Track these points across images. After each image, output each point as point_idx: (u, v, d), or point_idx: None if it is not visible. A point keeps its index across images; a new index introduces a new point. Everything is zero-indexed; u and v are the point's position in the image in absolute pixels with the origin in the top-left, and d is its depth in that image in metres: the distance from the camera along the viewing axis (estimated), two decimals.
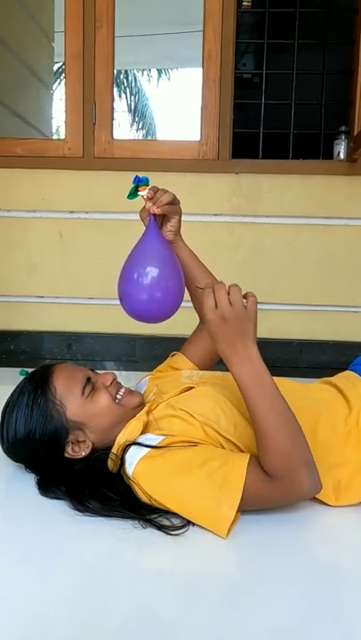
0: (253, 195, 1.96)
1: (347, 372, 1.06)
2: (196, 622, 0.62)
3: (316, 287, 1.99)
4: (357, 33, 1.90)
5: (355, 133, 1.90)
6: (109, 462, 0.89)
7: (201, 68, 1.95)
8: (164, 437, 0.85)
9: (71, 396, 0.89)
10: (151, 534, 0.79)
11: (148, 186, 0.93)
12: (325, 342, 1.98)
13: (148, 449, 0.84)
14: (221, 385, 0.95)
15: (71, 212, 2.01)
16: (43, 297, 2.05)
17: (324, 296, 1.99)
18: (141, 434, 0.89)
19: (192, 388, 0.97)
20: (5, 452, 0.95)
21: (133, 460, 0.84)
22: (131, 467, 0.84)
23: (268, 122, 2.02)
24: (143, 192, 0.92)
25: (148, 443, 0.85)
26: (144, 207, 0.95)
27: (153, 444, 0.85)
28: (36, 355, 2.04)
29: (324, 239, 1.98)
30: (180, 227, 1.01)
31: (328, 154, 1.98)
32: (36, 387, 0.91)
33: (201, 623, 0.62)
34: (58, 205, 2.00)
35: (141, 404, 0.96)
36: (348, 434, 0.89)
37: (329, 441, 0.88)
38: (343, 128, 1.94)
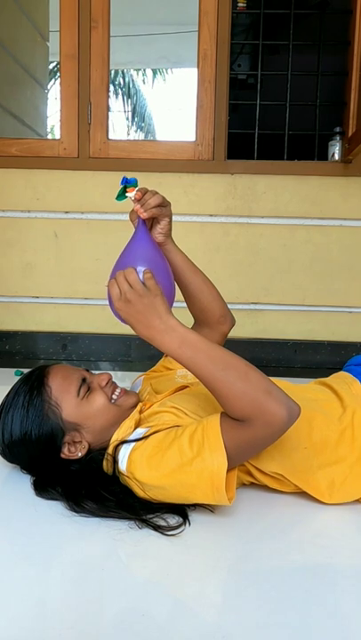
0: (248, 195, 1.96)
1: (341, 372, 1.07)
2: (192, 622, 0.62)
3: (310, 287, 1.99)
4: (352, 34, 1.91)
5: (349, 134, 1.90)
6: (104, 463, 0.89)
7: (196, 69, 1.95)
8: (149, 429, 0.86)
9: (67, 397, 0.89)
10: (147, 535, 0.79)
11: (136, 187, 0.92)
12: (320, 342, 1.99)
13: (133, 444, 0.85)
14: None
15: (66, 212, 2.00)
16: (38, 297, 2.04)
17: (318, 296, 2.00)
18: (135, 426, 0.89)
19: (186, 387, 0.98)
20: (0, 453, 0.95)
21: (125, 455, 0.84)
22: (123, 462, 0.84)
23: (263, 122, 2.03)
24: (131, 193, 0.91)
25: (136, 436, 0.86)
26: (133, 209, 0.93)
27: (140, 436, 0.85)
28: (32, 355, 2.04)
29: (319, 240, 1.99)
30: (170, 229, 0.99)
31: (323, 155, 1.99)
32: (32, 387, 0.90)
33: (197, 623, 0.62)
34: (53, 205, 2.00)
35: (137, 404, 0.96)
36: (342, 433, 0.89)
37: (323, 440, 0.88)
38: (338, 129, 1.95)
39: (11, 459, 0.95)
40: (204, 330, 1.10)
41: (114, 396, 0.94)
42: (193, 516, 0.84)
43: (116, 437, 0.89)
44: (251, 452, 0.83)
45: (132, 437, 0.87)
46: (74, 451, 0.90)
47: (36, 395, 0.89)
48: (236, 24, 2.03)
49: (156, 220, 0.97)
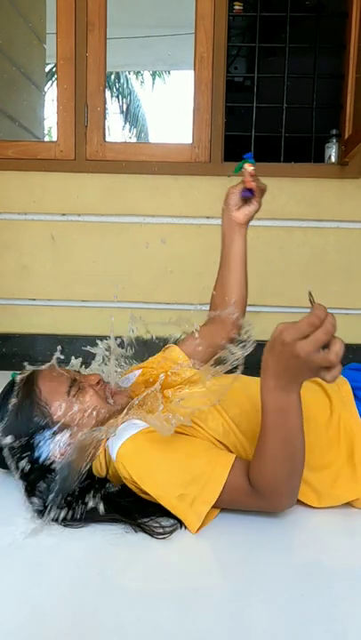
0: None
1: None
2: (188, 626, 0.62)
3: (307, 289, 1.99)
4: (348, 37, 1.92)
5: (346, 137, 1.91)
6: (96, 464, 0.88)
7: (193, 71, 1.96)
8: (148, 425, 0.84)
9: (57, 398, 0.88)
10: (142, 538, 0.79)
11: (253, 165, 1.04)
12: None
13: (133, 432, 0.83)
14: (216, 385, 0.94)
15: (63, 214, 2.00)
16: (34, 299, 2.04)
17: (316, 298, 2.00)
18: (126, 419, 0.88)
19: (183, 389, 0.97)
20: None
21: (117, 442, 0.83)
22: (114, 450, 0.83)
23: (260, 125, 2.03)
24: (250, 167, 1.03)
25: (133, 427, 0.84)
26: (236, 185, 1.05)
27: (138, 429, 0.84)
28: (28, 357, 2.03)
29: (316, 242, 1.99)
30: (252, 217, 1.08)
31: (319, 157, 2.00)
32: (22, 390, 0.89)
33: (193, 626, 0.62)
34: (50, 208, 2.00)
35: (127, 403, 0.94)
36: (328, 439, 0.89)
37: (312, 444, 0.88)
38: (334, 131, 1.95)
39: (1, 464, 0.93)
40: (212, 326, 1.09)
41: (104, 395, 0.93)
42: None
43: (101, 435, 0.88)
44: (235, 507, 0.83)
45: (128, 425, 0.85)
46: (65, 452, 0.88)
47: (25, 397, 0.88)
48: (232, 27, 2.04)
49: (248, 201, 1.06)
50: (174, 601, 0.66)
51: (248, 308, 2.05)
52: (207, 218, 1.98)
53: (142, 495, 0.84)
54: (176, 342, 1.17)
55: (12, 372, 2.07)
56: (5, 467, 0.93)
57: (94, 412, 0.90)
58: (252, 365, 0.87)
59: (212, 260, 1.99)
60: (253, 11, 2.04)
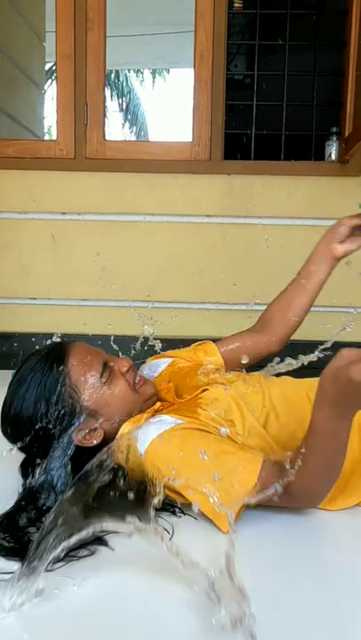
0: (245, 196, 1.96)
1: None
2: (187, 625, 0.62)
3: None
4: (348, 34, 1.91)
5: (346, 134, 1.91)
6: (117, 453, 0.86)
7: (192, 69, 1.95)
8: (182, 422, 0.83)
9: (87, 381, 0.85)
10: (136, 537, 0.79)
11: None
12: (317, 342, 1.98)
13: (164, 429, 0.82)
14: (241, 386, 0.94)
15: (63, 213, 2.00)
16: (35, 298, 2.04)
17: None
18: (155, 414, 0.87)
19: (206, 389, 0.94)
20: (3, 429, 0.87)
21: (146, 439, 0.82)
22: (143, 445, 0.82)
23: (260, 123, 2.03)
24: None
25: (163, 424, 0.83)
26: (351, 217, 1.05)
27: (169, 426, 0.83)
28: None
29: (316, 240, 1.98)
30: (349, 254, 1.07)
31: (320, 155, 1.99)
32: (52, 366, 0.85)
33: (192, 627, 0.62)
34: (50, 207, 2.00)
35: (154, 395, 0.93)
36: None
37: None
38: (335, 129, 1.95)
39: (14, 437, 0.87)
40: (258, 335, 1.09)
41: (133, 384, 0.90)
42: (186, 518, 0.84)
43: (125, 427, 0.87)
44: (265, 503, 0.80)
45: (157, 422, 0.84)
46: (89, 438, 0.86)
47: (56, 374, 0.84)
48: (232, 24, 2.03)
49: (351, 238, 1.06)
50: (174, 600, 0.66)
51: (248, 307, 2.06)
52: (207, 216, 1.98)
53: (171, 495, 0.83)
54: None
55: (12, 372, 2.06)
56: (16, 440, 0.87)
57: (122, 402, 0.87)
58: None
59: (212, 259, 2.00)
60: (253, 8, 2.03)
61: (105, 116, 2.02)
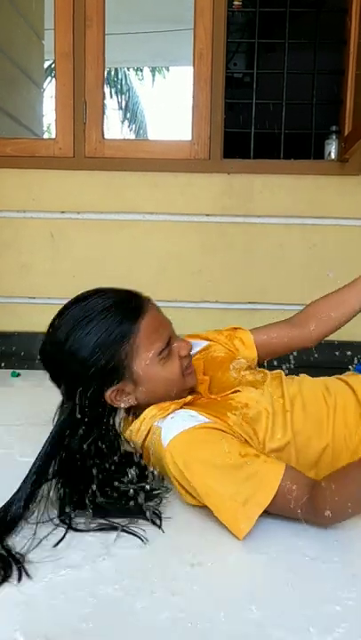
0: (245, 195, 1.96)
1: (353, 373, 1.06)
2: (187, 625, 0.62)
3: (307, 287, 1.99)
4: (348, 32, 1.90)
5: (346, 133, 1.90)
6: (132, 429, 0.87)
7: (192, 67, 1.94)
8: (209, 421, 0.83)
9: (148, 350, 0.84)
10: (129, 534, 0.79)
11: None
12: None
13: (191, 425, 0.82)
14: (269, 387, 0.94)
15: (62, 212, 2.00)
16: (34, 297, 2.04)
17: (315, 296, 1.99)
18: (184, 406, 0.87)
19: (238, 391, 0.93)
20: (47, 354, 0.86)
21: (171, 431, 0.81)
22: (167, 437, 0.81)
23: (260, 121, 2.02)
24: None
25: (191, 420, 0.83)
26: None
27: (195, 423, 0.82)
28: (28, 356, 2.03)
29: (316, 239, 1.99)
30: None
31: (319, 153, 1.99)
32: (124, 319, 0.83)
33: (191, 628, 0.62)
34: (49, 206, 1.99)
35: (193, 387, 0.93)
36: (356, 448, 0.89)
37: (340, 454, 0.89)
38: (334, 128, 1.94)
39: (54, 369, 0.86)
40: (295, 329, 1.09)
41: (183, 370, 0.89)
42: (186, 512, 0.84)
43: (150, 411, 0.86)
44: (283, 513, 0.80)
45: (185, 416, 0.83)
46: (119, 400, 0.86)
47: (125, 329, 0.83)
48: (231, 23, 2.03)
49: None
50: (171, 597, 0.66)
51: (247, 306, 2.06)
52: (207, 215, 1.98)
53: (181, 491, 0.82)
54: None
55: (12, 371, 2.06)
56: (57, 370, 0.87)
57: (166, 382, 0.87)
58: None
59: (211, 258, 2.00)
60: (253, 6, 2.02)
61: (104, 114, 2.01)
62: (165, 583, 0.69)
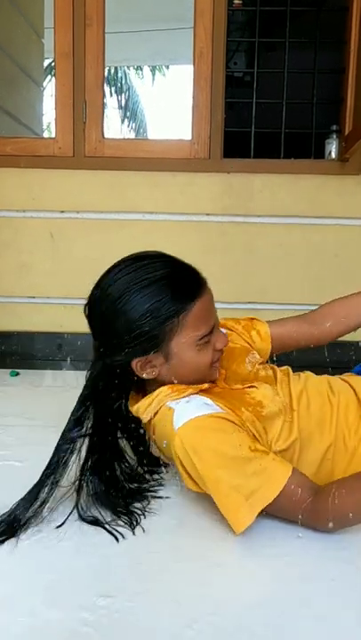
0: (245, 194, 1.95)
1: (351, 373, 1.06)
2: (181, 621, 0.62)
3: (307, 286, 1.99)
4: (348, 31, 1.90)
5: (346, 132, 1.90)
6: (140, 406, 0.87)
7: (192, 66, 1.94)
8: (223, 411, 0.83)
9: (192, 333, 0.84)
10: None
11: None
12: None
13: (205, 412, 0.81)
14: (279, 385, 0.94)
15: (62, 211, 1.99)
16: (34, 297, 2.03)
17: (315, 295, 1.98)
18: (200, 392, 0.87)
19: (254, 386, 0.93)
20: (97, 308, 0.86)
21: (185, 415, 0.81)
22: (179, 421, 0.81)
23: (260, 121, 2.02)
24: None
25: (205, 407, 0.82)
26: None
27: (209, 411, 0.82)
28: (28, 355, 2.03)
29: (316, 239, 1.98)
30: None
31: (320, 153, 1.98)
32: (180, 293, 0.83)
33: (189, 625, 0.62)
34: (48, 205, 1.99)
35: (214, 381, 0.92)
36: (356, 447, 0.89)
37: (339, 454, 0.89)
38: (334, 127, 1.94)
39: (99, 320, 0.86)
40: (313, 326, 1.08)
41: (212, 363, 0.89)
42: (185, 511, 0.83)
43: (165, 389, 0.86)
44: (283, 515, 0.80)
45: (199, 402, 0.83)
46: (142, 369, 0.85)
47: (178, 305, 0.82)
48: (231, 21, 2.02)
49: None
50: (170, 595, 0.66)
51: (247, 306, 2.06)
52: (207, 215, 1.97)
53: (184, 476, 0.82)
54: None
55: (11, 371, 2.06)
56: (101, 325, 0.86)
57: (192, 369, 0.87)
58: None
59: (211, 257, 1.99)
60: (253, 5, 2.02)
61: (104, 113, 2.01)
62: None
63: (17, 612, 0.63)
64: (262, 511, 0.77)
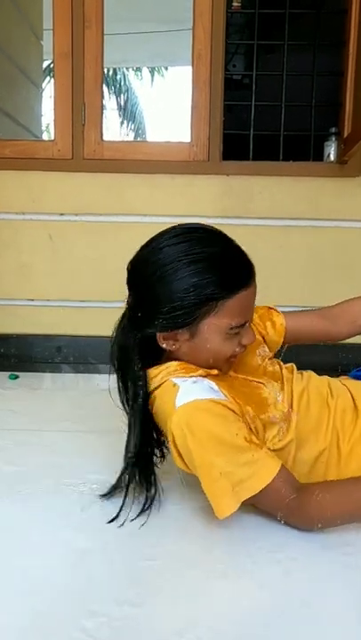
0: (244, 196, 1.95)
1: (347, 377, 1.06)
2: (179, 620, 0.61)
3: (306, 288, 1.99)
4: (347, 34, 1.90)
5: (345, 135, 1.90)
6: (151, 376, 0.88)
7: (191, 68, 1.94)
8: (226, 399, 0.83)
9: (226, 319, 0.83)
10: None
11: None
12: (317, 343, 1.99)
13: (209, 396, 0.81)
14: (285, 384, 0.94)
15: (61, 214, 1.99)
16: (33, 299, 2.03)
17: (314, 297, 1.99)
18: (208, 376, 0.87)
19: (262, 383, 0.93)
20: (141, 270, 0.86)
21: (188, 395, 0.81)
22: (181, 399, 0.81)
23: (259, 123, 2.02)
24: None
25: (210, 391, 0.82)
26: None
27: (213, 395, 0.82)
28: (27, 358, 2.02)
29: (315, 240, 1.98)
30: None
31: (318, 155, 1.98)
32: (228, 278, 0.82)
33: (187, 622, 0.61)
34: (47, 207, 1.99)
35: (226, 372, 0.92)
36: (349, 452, 0.89)
37: (331, 457, 0.89)
38: (333, 129, 1.94)
39: (140, 282, 0.86)
40: (327, 321, 1.09)
41: (232, 356, 0.89)
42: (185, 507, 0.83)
43: (172, 365, 0.87)
44: (267, 509, 0.82)
45: (205, 385, 0.83)
46: (166, 341, 0.86)
47: (224, 288, 0.82)
48: (230, 24, 2.02)
49: None
50: (169, 591, 0.66)
51: None
52: (206, 217, 1.97)
53: (175, 453, 0.82)
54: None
55: (10, 374, 2.05)
56: (143, 291, 0.86)
57: (211, 356, 0.86)
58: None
59: None
60: (252, 7, 2.02)
61: (102, 115, 2.01)
62: None
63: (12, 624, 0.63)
64: (245, 502, 0.78)
